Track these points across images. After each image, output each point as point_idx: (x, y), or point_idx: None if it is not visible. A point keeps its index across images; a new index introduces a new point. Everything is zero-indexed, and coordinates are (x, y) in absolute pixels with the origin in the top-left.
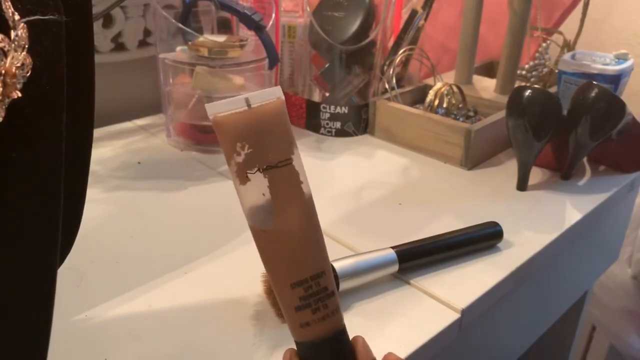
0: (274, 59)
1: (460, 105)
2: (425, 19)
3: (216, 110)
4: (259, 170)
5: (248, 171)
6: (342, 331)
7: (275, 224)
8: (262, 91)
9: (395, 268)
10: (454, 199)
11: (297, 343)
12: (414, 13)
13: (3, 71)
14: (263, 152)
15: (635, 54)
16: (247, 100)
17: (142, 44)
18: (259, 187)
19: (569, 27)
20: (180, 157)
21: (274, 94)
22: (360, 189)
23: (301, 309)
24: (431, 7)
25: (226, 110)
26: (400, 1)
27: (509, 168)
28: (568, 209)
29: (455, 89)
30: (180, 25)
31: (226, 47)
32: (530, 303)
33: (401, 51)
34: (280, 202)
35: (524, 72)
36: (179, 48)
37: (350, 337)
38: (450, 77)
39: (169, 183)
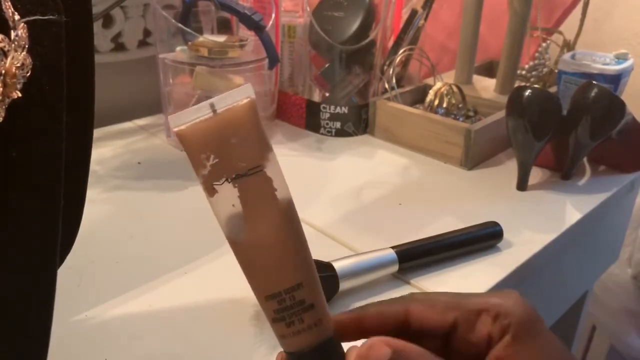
0: (273, 59)
1: (460, 105)
2: (425, 19)
3: (179, 121)
4: (227, 180)
5: (215, 183)
6: (325, 344)
7: (247, 236)
8: (230, 92)
9: (395, 268)
10: (454, 199)
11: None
12: (414, 13)
13: (3, 71)
14: (231, 161)
15: (635, 53)
16: (212, 106)
17: (142, 44)
18: (228, 198)
19: (569, 27)
20: (180, 157)
21: (244, 94)
22: (360, 189)
23: (276, 322)
24: (431, 7)
25: (189, 119)
26: (400, 1)
27: (509, 168)
28: (568, 209)
29: (455, 88)
30: (180, 25)
31: (226, 47)
32: (530, 303)
33: (401, 51)
34: (251, 213)
35: (524, 72)
36: (178, 48)
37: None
38: (450, 77)
39: (169, 183)
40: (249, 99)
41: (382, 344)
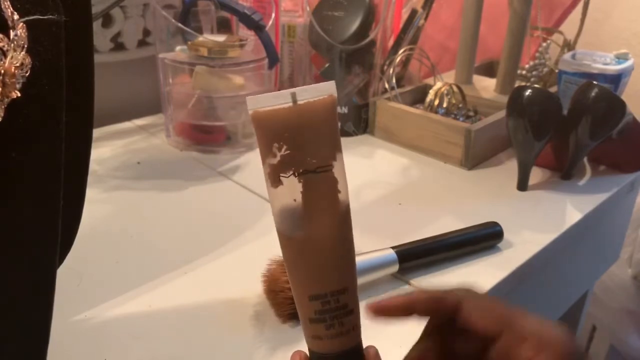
0: (273, 59)
1: (461, 105)
2: (425, 19)
3: (257, 104)
4: (294, 174)
5: (282, 174)
6: (355, 349)
7: (303, 233)
8: (314, 86)
9: (395, 268)
10: (454, 199)
11: (308, 349)
12: (414, 13)
13: (2, 71)
14: (302, 155)
15: (635, 53)
16: (293, 96)
17: (142, 43)
18: (291, 192)
19: (569, 26)
20: (180, 157)
21: (326, 91)
22: (360, 189)
23: (315, 322)
24: (431, 7)
25: (268, 104)
26: (400, 1)
27: (509, 168)
28: (568, 209)
29: (455, 88)
30: (180, 25)
31: (226, 46)
32: (530, 303)
33: (401, 51)
34: (311, 210)
35: (524, 72)
36: (178, 48)
37: None
38: (450, 76)
39: (169, 183)
40: (331, 96)
41: None
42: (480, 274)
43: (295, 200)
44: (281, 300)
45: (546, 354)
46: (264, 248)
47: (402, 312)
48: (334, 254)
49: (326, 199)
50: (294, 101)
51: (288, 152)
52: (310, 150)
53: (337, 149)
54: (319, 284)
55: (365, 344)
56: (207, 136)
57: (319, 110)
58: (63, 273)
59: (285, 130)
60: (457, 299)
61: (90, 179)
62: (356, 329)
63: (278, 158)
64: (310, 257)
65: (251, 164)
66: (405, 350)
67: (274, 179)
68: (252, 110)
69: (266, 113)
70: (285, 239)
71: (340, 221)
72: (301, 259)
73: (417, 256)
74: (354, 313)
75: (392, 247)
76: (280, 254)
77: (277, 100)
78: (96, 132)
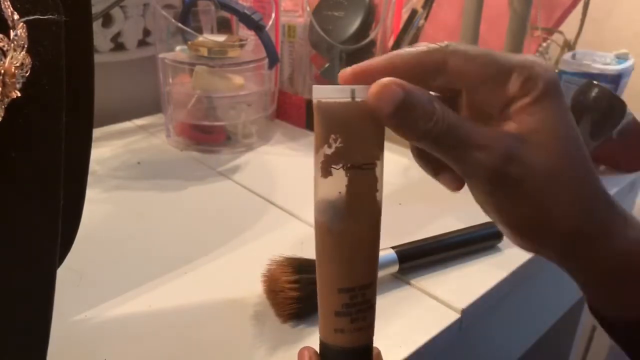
0: (273, 59)
1: None
2: (425, 19)
3: (322, 94)
4: (343, 167)
5: (333, 165)
6: (369, 346)
7: (342, 225)
8: (368, 87)
9: (395, 268)
10: (454, 199)
11: (323, 343)
12: (414, 13)
13: (2, 71)
14: (352, 150)
15: (635, 53)
16: (352, 92)
17: (142, 43)
18: (338, 183)
19: (569, 26)
20: (180, 157)
21: None
22: None
23: (341, 315)
24: (431, 7)
25: (331, 97)
26: (400, 1)
27: None
28: None
29: None
30: (180, 25)
31: (226, 46)
32: (530, 303)
33: None
34: (353, 204)
35: None
36: (178, 48)
37: None
38: None
39: (169, 183)
40: None
41: (394, 85)
42: (480, 274)
43: (340, 192)
44: (281, 300)
45: (531, 82)
46: (264, 248)
47: (382, 74)
48: (369, 250)
49: (367, 195)
50: (353, 97)
51: (342, 145)
52: (361, 147)
53: (382, 148)
54: (350, 278)
55: None
56: (207, 136)
57: (374, 110)
58: (63, 273)
59: (343, 124)
60: (440, 55)
61: (90, 179)
62: (373, 326)
63: (333, 149)
64: (346, 250)
65: (251, 164)
66: (406, 350)
67: (326, 169)
68: (317, 100)
69: (329, 104)
70: (324, 230)
71: (377, 218)
72: (337, 251)
73: (417, 256)
74: (373, 309)
75: (392, 247)
76: (281, 254)
77: (339, 94)
78: (96, 132)
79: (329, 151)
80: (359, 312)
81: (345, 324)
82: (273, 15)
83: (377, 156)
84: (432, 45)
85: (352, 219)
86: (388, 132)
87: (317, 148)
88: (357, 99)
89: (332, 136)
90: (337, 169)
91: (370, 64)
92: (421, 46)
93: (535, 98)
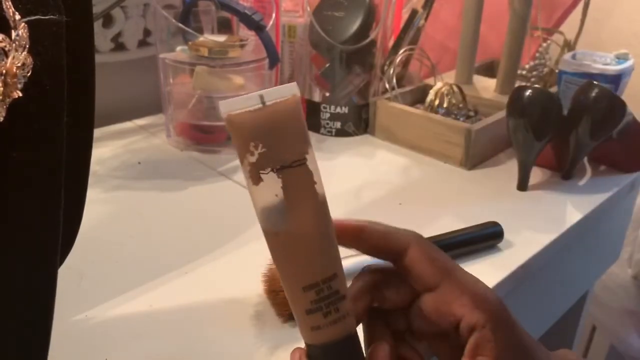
0: (274, 59)
1: (461, 105)
2: (426, 19)
3: (230, 107)
4: (272, 170)
5: (261, 171)
6: (353, 335)
7: (288, 226)
8: (278, 88)
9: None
10: (454, 199)
11: (307, 345)
12: (414, 13)
13: (4, 71)
14: (277, 152)
15: (635, 53)
16: (261, 98)
17: (142, 43)
18: (272, 187)
19: (569, 27)
20: (180, 157)
21: (289, 91)
22: (360, 189)
23: (312, 312)
24: (431, 7)
25: (240, 107)
26: (400, 1)
27: (509, 168)
28: (568, 209)
29: (455, 88)
30: (181, 25)
31: (226, 47)
32: (530, 303)
33: (401, 51)
34: (293, 203)
35: (524, 72)
36: (179, 48)
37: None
38: (450, 76)
39: (169, 183)
40: (295, 96)
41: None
42: (480, 274)
43: (277, 195)
44: (281, 300)
45: (480, 312)
46: (264, 248)
47: (352, 238)
48: (320, 242)
49: (305, 190)
50: (263, 102)
51: (264, 150)
52: (284, 147)
53: (307, 143)
54: (310, 274)
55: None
56: (207, 136)
57: (286, 110)
58: (63, 273)
59: (259, 130)
60: (406, 240)
61: (90, 179)
62: (349, 315)
63: (256, 156)
64: (298, 249)
65: None
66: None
67: (255, 176)
68: (226, 114)
69: (239, 115)
70: (272, 236)
71: (321, 210)
72: (290, 252)
73: None
74: (345, 299)
75: None
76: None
77: (247, 103)
78: (96, 132)
79: (252, 159)
80: (330, 304)
81: (319, 320)
82: (273, 15)
83: (305, 150)
84: (402, 230)
85: (296, 217)
86: (388, 132)
87: (241, 160)
88: (268, 103)
89: (252, 144)
90: (267, 173)
91: (343, 222)
92: (394, 228)
93: (492, 327)
